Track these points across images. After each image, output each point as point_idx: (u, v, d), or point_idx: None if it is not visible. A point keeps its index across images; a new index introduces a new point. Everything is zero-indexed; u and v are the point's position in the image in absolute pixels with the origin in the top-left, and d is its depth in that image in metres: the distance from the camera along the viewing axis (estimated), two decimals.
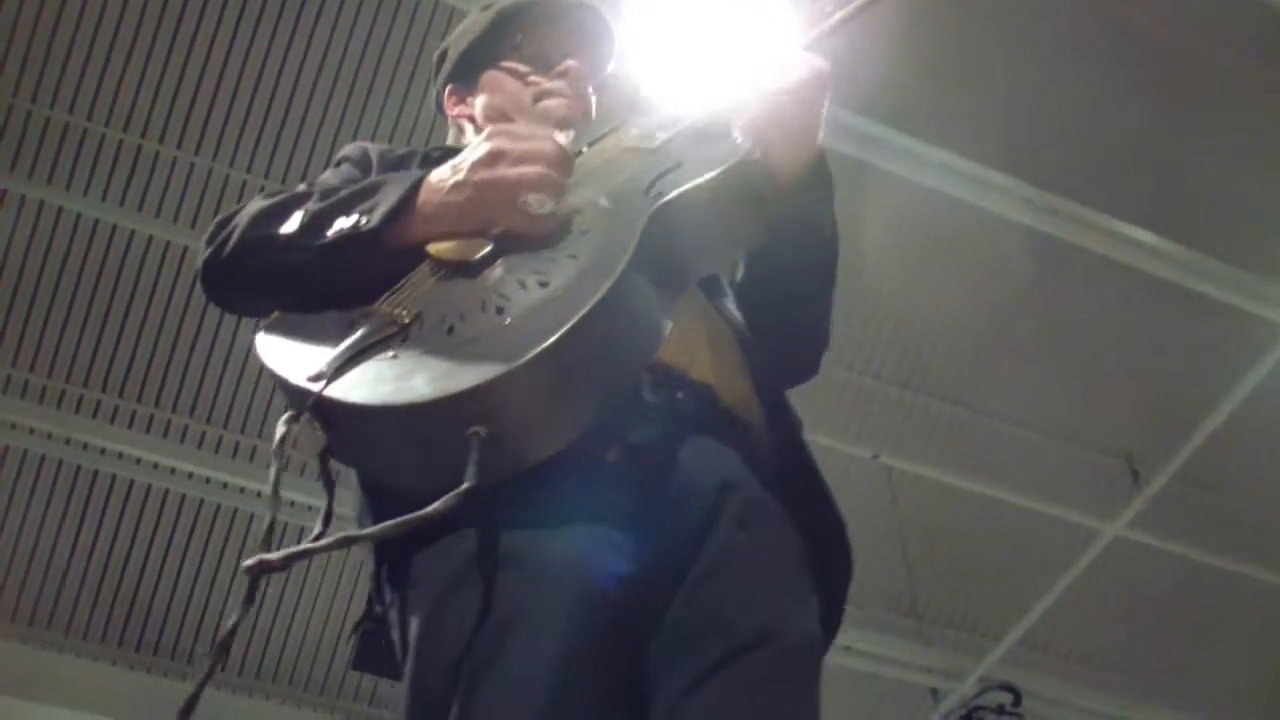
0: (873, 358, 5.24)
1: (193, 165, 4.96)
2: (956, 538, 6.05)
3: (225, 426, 5.34)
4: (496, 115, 1.49)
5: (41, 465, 5.37)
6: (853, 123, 4.91)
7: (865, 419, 5.62)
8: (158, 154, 4.92)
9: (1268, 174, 5.41)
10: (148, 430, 5.31)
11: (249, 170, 4.96)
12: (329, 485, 1.05)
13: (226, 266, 1.17)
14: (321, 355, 1.04)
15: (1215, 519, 6.32)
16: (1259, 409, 5.95)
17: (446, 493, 0.97)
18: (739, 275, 1.42)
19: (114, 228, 5.00)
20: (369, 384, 1.01)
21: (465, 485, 0.95)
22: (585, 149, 1.32)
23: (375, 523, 1.10)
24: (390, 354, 1.02)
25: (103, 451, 5.31)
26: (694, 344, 1.25)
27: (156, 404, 5.28)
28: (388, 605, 1.16)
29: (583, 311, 1.00)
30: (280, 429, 1.03)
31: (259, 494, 5.32)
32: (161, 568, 5.53)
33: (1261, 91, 5.18)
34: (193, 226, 4.99)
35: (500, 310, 1.04)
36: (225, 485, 5.45)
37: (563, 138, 1.28)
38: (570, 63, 1.53)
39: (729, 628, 1.10)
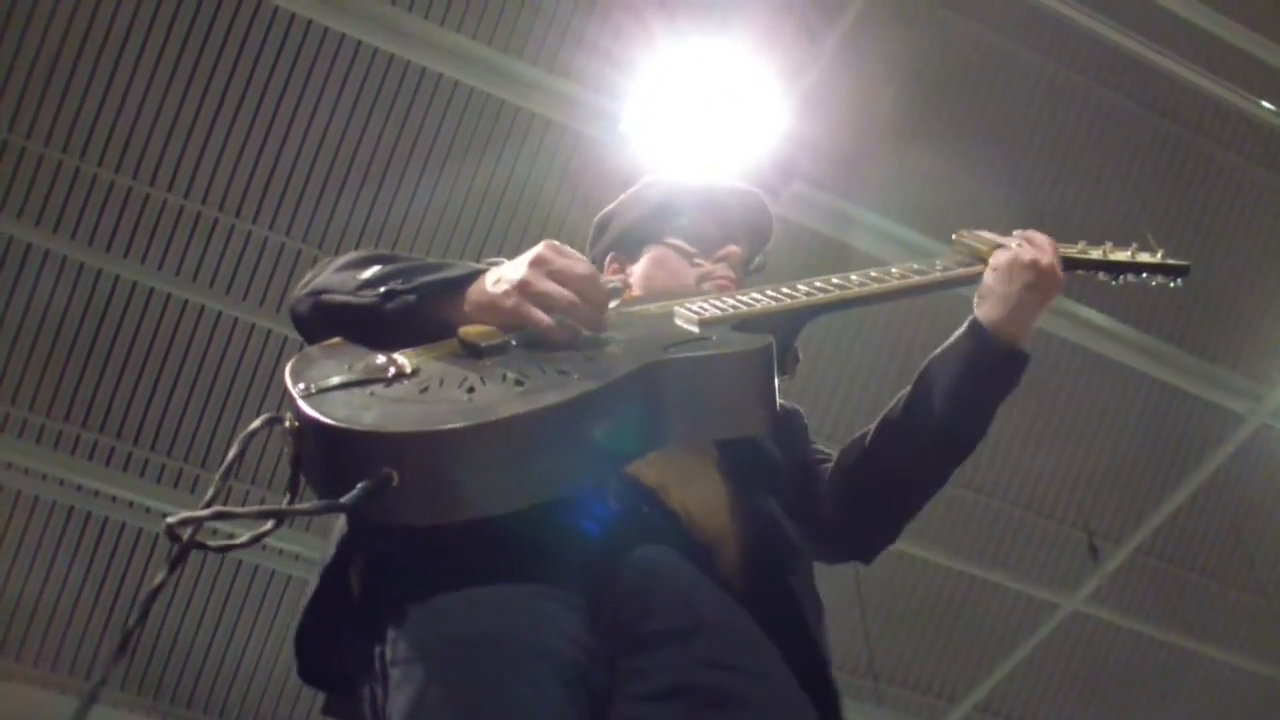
0: (839, 424, 5.38)
1: (232, 228, 5.17)
2: (916, 603, 6.17)
3: (252, 482, 5.47)
4: (659, 290, 1.54)
5: (70, 518, 5.53)
6: (838, 205, 5.12)
7: None
8: (181, 208, 5.11)
9: (1231, 272, 5.58)
10: (175, 485, 5.46)
11: (270, 228, 5.20)
12: (294, 484, 1.12)
13: (312, 305, 1.32)
14: (329, 376, 1.15)
15: (1171, 597, 6.45)
16: (1215, 494, 6.11)
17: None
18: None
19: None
20: (332, 405, 1.09)
21: (341, 499, 1.04)
22: (649, 302, 1.45)
23: (362, 569, 1.24)
24: (369, 392, 1.12)
25: (130, 505, 5.44)
26: (678, 479, 1.33)
27: (186, 459, 5.44)
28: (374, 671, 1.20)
29: (514, 413, 1.09)
30: (255, 423, 1.14)
31: (297, 556, 5.48)
32: (190, 618, 5.68)
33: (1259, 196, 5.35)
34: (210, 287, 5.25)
35: (471, 390, 1.12)
36: (264, 547, 5.46)
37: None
38: (733, 248, 1.61)
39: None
